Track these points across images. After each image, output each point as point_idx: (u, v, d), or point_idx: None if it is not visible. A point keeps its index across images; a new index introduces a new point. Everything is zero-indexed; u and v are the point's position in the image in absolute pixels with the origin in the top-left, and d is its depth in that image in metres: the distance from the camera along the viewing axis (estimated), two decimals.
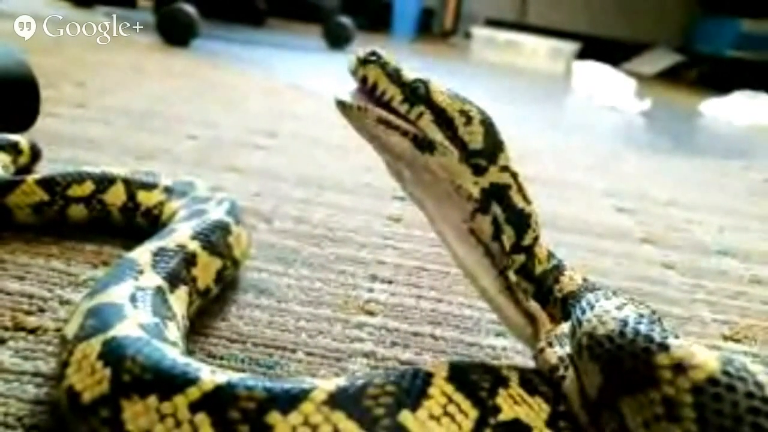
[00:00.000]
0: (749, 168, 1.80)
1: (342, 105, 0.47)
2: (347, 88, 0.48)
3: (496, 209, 0.49)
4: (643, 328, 0.36)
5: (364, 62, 0.46)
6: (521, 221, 0.50)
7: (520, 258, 0.50)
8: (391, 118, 0.46)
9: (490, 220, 0.49)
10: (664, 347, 0.35)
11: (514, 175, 0.49)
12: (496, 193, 0.48)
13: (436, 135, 0.46)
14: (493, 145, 0.48)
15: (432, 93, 0.47)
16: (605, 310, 0.39)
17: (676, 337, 0.36)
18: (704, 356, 0.34)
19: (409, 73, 0.47)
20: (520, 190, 0.50)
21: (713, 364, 0.34)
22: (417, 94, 0.46)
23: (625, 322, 0.37)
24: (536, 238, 0.51)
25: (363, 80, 0.46)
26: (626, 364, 0.36)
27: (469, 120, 0.47)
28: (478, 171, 0.48)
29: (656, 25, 4.62)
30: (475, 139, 0.47)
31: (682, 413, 0.33)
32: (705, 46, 4.33)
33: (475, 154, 0.47)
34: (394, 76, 0.46)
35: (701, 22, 4.45)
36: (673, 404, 0.34)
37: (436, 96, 0.47)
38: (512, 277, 0.50)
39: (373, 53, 0.46)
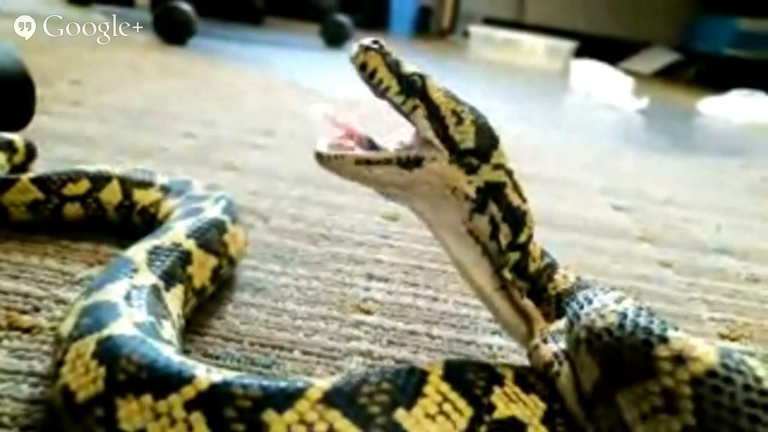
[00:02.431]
0: (747, 166, 1.80)
1: (320, 157, 0.46)
2: (322, 140, 0.47)
3: (493, 208, 0.49)
4: (642, 320, 0.37)
5: (366, 49, 0.46)
6: (517, 219, 0.50)
7: (515, 255, 0.50)
8: (370, 155, 0.47)
9: (487, 219, 0.49)
10: (664, 339, 0.35)
11: (509, 173, 0.49)
12: (492, 192, 0.48)
13: (428, 132, 0.47)
14: (486, 144, 0.48)
15: (428, 88, 0.47)
16: (604, 303, 0.40)
17: (675, 329, 0.36)
18: (703, 349, 0.34)
19: (409, 66, 0.47)
20: (516, 187, 0.50)
21: (712, 357, 0.34)
22: (413, 87, 0.46)
23: (624, 315, 0.38)
24: (530, 236, 0.51)
25: (362, 66, 0.46)
26: (625, 356, 0.36)
27: (460, 120, 0.47)
28: (471, 170, 0.48)
29: (654, 24, 4.62)
30: (467, 138, 0.47)
31: (681, 405, 0.34)
32: (703, 45, 4.33)
33: (466, 153, 0.47)
34: (393, 67, 0.46)
35: (699, 21, 4.45)
36: (671, 396, 0.34)
37: (431, 92, 0.47)
38: (507, 275, 0.50)
39: (376, 42, 0.46)
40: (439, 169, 0.47)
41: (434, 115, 0.47)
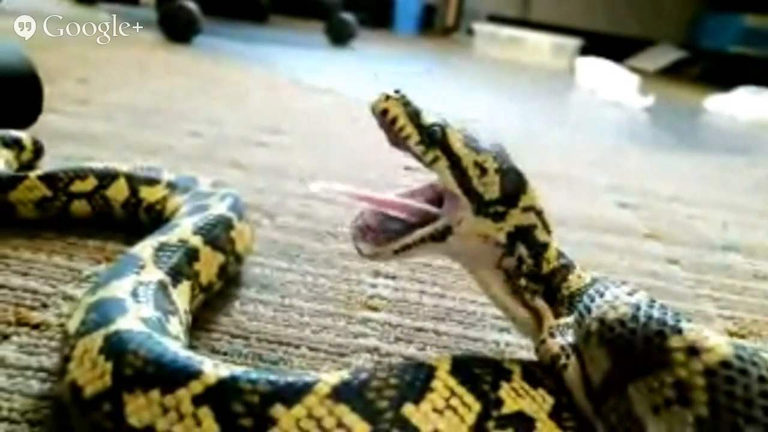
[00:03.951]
0: (753, 164, 1.79)
1: (361, 254, 0.49)
2: (352, 221, 0.51)
3: (522, 249, 0.50)
4: (655, 312, 0.37)
5: (387, 97, 0.46)
6: (541, 252, 0.51)
7: (531, 270, 0.51)
8: (404, 242, 0.48)
9: (515, 258, 0.50)
10: (678, 330, 0.35)
11: (539, 213, 0.50)
12: (522, 235, 0.49)
13: (451, 184, 0.47)
14: (513, 191, 0.48)
15: (448, 138, 0.47)
16: (616, 296, 0.40)
17: (689, 321, 0.36)
18: (717, 340, 0.34)
19: (429, 116, 0.47)
20: (545, 226, 0.50)
21: (726, 348, 0.34)
22: (434, 138, 0.46)
23: (637, 307, 0.38)
24: (549, 259, 0.52)
25: (383, 113, 0.46)
26: (638, 347, 0.36)
27: (483, 171, 0.47)
28: (498, 218, 0.48)
29: (659, 21, 4.61)
30: (491, 189, 0.47)
31: (694, 396, 0.33)
32: (709, 42, 4.31)
33: (492, 203, 0.48)
34: (414, 116, 0.46)
35: (705, 18, 4.44)
36: (685, 387, 0.34)
37: (452, 142, 0.47)
38: (521, 282, 0.51)
39: (397, 91, 0.46)
40: (468, 227, 0.48)
41: (456, 167, 0.47)
